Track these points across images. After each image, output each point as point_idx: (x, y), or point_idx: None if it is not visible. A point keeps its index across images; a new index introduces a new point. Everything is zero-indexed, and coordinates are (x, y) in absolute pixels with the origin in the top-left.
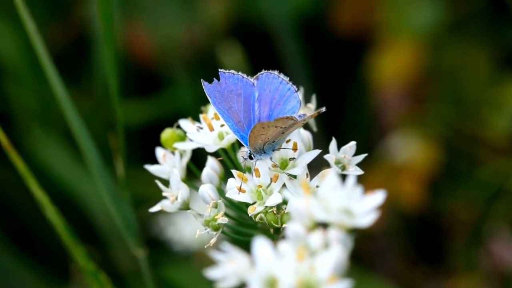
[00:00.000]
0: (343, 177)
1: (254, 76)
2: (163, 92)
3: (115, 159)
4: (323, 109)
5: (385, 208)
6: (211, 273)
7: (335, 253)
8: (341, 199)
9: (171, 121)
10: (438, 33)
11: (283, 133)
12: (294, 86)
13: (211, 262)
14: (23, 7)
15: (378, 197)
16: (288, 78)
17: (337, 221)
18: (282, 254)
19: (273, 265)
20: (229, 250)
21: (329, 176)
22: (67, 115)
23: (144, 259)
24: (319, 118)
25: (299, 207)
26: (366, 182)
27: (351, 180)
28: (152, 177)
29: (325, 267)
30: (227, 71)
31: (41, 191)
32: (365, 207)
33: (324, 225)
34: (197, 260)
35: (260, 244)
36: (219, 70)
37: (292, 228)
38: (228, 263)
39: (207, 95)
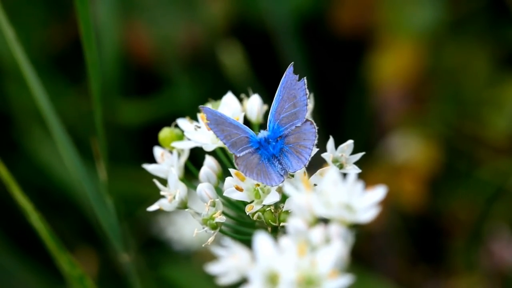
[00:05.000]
0: (341, 175)
1: None
2: (163, 91)
3: (97, 164)
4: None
5: (385, 208)
6: (212, 268)
7: (336, 248)
8: (342, 195)
9: (171, 121)
10: (438, 32)
11: None
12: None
13: (211, 262)
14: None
15: (378, 192)
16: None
17: (338, 216)
18: (283, 249)
19: (274, 260)
20: (230, 245)
21: (330, 171)
22: (48, 120)
23: (130, 264)
24: (319, 117)
25: (300, 202)
26: (366, 182)
27: (351, 175)
28: (152, 176)
29: (326, 262)
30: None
31: (25, 198)
32: (366, 203)
33: (325, 221)
34: (197, 259)
35: (261, 239)
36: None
37: (293, 223)
38: (229, 258)
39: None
